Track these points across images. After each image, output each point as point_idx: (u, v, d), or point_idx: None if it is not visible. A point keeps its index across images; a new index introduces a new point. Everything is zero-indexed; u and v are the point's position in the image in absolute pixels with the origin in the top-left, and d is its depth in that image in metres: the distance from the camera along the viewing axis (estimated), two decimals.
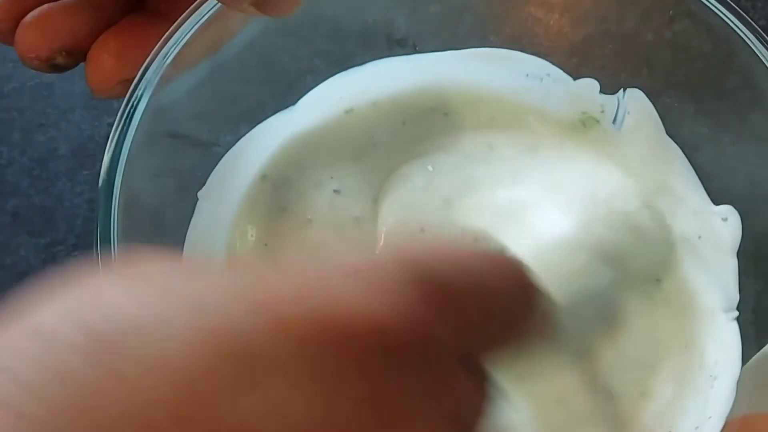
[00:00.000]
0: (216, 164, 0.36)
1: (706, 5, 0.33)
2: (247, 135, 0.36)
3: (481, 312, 0.18)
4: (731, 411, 0.33)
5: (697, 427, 0.34)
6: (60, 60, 0.32)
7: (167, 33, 0.31)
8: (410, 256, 0.17)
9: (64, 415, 0.13)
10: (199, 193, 0.35)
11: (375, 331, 0.15)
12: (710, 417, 0.34)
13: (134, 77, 0.31)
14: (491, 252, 0.19)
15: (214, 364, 0.14)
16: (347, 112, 0.37)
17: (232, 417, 0.14)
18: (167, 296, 0.15)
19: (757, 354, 0.34)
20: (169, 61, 0.32)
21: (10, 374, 0.13)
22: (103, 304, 0.14)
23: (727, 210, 0.36)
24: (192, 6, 0.32)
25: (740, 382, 0.34)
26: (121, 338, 0.14)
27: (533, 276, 0.20)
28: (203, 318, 0.14)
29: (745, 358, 0.34)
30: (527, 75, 0.37)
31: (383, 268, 0.16)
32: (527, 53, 0.37)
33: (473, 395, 0.18)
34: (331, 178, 0.36)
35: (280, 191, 0.36)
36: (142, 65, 0.31)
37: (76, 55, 0.32)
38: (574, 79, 0.37)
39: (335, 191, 0.36)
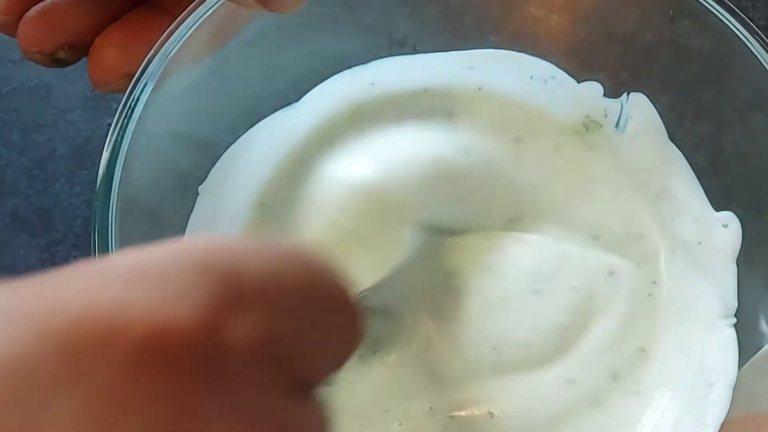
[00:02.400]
0: (215, 164, 0.36)
1: (706, 5, 0.33)
2: (249, 132, 0.36)
3: (287, 307, 0.17)
4: (729, 412, 0.33)
5: None
6: (62, 54, 0.32)
7: (167, 30, 0.31)
8: (208, 249, 0.16)
9: None
10: (200, 188, 0.35)
11: (156, 337, 0.14)
12: (706, 423, 0.34)
13: (135, 72, 0.31)
14: (308, 256, 0.18)
15: None
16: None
17: None
18: None
19: (756, 355, 0.34)
20: (169, 58, 0.32)
21: None
22: None
23: (728, 216, 0.36)
24: (194, 2, 0.32)
25: (738, 383, 0.34)
26: None
27: (348, 289, 0.18)
28: None
29: (742, 362, 0.34)
30: (531, 77, 0.37)
31: (174, 267, 0.15)
32: (527, 54, 0.37)
33: (296, 415, 0.16)
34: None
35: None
36: (144, 60, 0.31)
37: (78, 50, 0.32)
38: (576, 80, 0.37)
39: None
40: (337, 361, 0.18)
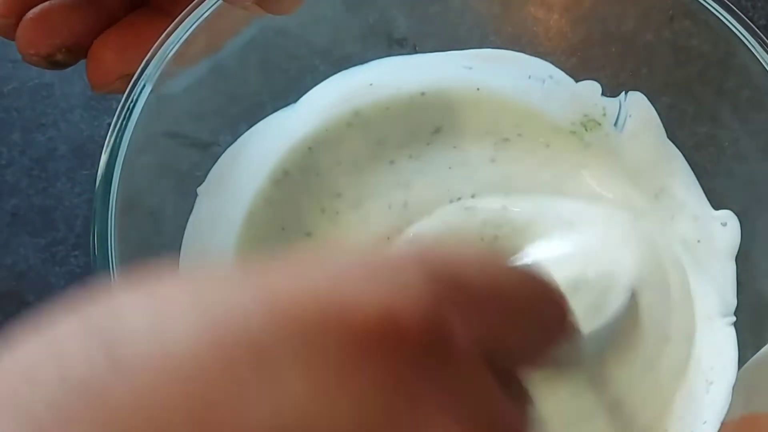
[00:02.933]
0: (215, 164, 0.36)
1: (706, 5, 0.33)
2: (248, 132, 0.36)
3: (505, 319, 0.17)
4: (729, 412, 0.33)
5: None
6: (59, 57, 0.32)
7: (166, 31, 0.31)
8: (430, 255, 0.17)
9: (80, 427, 0.13)
10: (198, 189, 0.35)
11: (385, 322, 0.15)
12: (705, 422, 0.34)
13: (134, 73, 0.31)
14: (520, 265, 0.19)
15: (222, 360, 0.14)
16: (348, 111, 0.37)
17: (245, 412, 0.14)
18: (175, 302, 0.15)
19: (755, 355, 0.33)
20: (168, 59, 0.32)
21: (30, 385, 0.14)
22: (116, 318, 0.15)
23: (727, 215, 0.36)
24: (192, 4, 0.32)
25: (738, 384, 0.34)
26: (132, 347, 0.14)
27: (563, 295, 0.19)
28: (209, 315, 0.14)
29: (742, 361, 0.34)
30: (529, 77, 0.37)
31: (400, 264, 0.16)
32: (527, 54, 0.37)
33: (509, 410, 0.17)
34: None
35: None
36: (142, 62, 0.31)
37: (75, 53, 0.32)
38: (575, 80, 0.37)
39: (337, 194, 0.37)
40: (545, 355, 0.19)
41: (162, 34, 0.31)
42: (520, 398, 0.18)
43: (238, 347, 0.14)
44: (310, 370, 0.14)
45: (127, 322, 0.14)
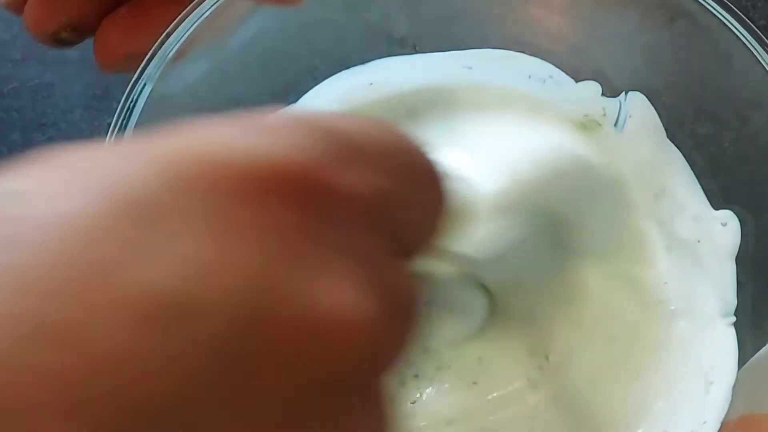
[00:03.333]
0: None
1: (705, 5, 0.33)
2: None
3: (391, 180, 0.17)
4: (728, 412, 0.33)
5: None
6: (65, 35, 0.32)
7: (167, 31, 0.31)
8: (317, 117, 0.17)
9: None
10: None
11: (266, 167, 0.15)
12: (705, 422, 0.34)
13: (141, 53, 0.31)
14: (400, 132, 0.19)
15: (116, 220, 0.14)
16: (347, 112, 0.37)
17: (141, 272, 0.13)
18: (70, 171, 0.15)
19: (755, 355, 0.33)
20: (168, 59, 0.32)
21: None
22: (9, 180, 0.15)
23: (727, 215, 0.36)
24: (192, 3, 0.32)
25: (738, 384, 0.34)
26: (25, 208, 0.14)
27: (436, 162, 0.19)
28: (101, 181, 0.14)
29: (742, 361, 0.34)
30: (529, 77, 0.37)
31: (287, 123, 0.16)
32: (527, 54, 0.37)
33: (399, 271, 0.17)
34: None
35: None
36: (149, 42, 0.31)
37: (81, 31, 0.32)
38: (575, 80, 0.37)
39: None
40: (430, 232, 0.19)
41: (169, 16, 0.32)
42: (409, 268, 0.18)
43: (128, 206, 0.14)
44: (200, 222, 0.14)
45: (22, 184, 0.14)
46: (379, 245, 0.17)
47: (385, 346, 0.16)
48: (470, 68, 0.37)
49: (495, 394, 0.35)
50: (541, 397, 0.35)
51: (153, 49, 0.31)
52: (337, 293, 0.15)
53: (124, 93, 0.32)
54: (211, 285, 0.14)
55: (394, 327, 0.16)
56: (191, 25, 0.32)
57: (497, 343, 0.35)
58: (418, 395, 0.35)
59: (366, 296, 0.15)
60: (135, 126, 0.31)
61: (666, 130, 0.37)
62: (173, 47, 0.32)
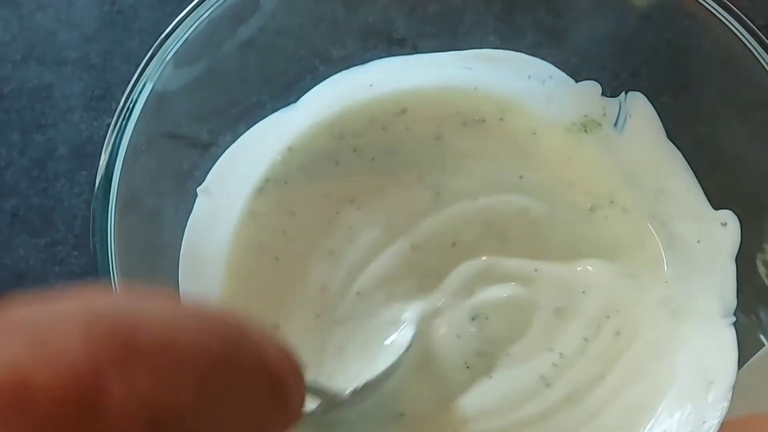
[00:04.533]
0: (214, 164, 0.36)
1: (706, 5, 0.33)
2: (248, 132, 0.36)
3: (191, 382, 0.16)
4: (728, 412, 0.33)
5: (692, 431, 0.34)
6: None
7: (167, 31, 0.31)
8: (105, 313, 0.16)
9: None
10: (198, 189, 0.35)
11: (13, 383, 0.14)
12: (705, 422, 0.34)
13: None
14: (233, 322, 0.17)
15: None
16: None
17: None
18: None
19: (755, 355, 0.33)
20: (168, 59, 0.32)
21: None
22: None
23: (727, 215, 0.36)
24: (192, 4, 0.32)
25: (738, 384, 0.34)
26: None
27: (282, 348, 0.18)
28: None
29: (742, 361, 0.34)
30: (529, 77, 0.37)
31: (62, 327, 0.15)
32: (527, 54, 0.37)
33: None
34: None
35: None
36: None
37: None
38: (575, 80, 0.37)
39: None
40: (258, 427, 0.17)
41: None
42: None
43: None
44: None
45: None
46: None
47: None
48: (470, 68, 0.37)
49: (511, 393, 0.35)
50: (555, 395, 0.35)
51: (153, 49, 0.31)
52: None
53: (124, 93, 0.32)
54: None
55: None
56: (191, 25, 0.32)
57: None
58: None
59: None
60: (135, 126, 0.31)
61: (666, 130, 0.37)
62: (173, 47, 0.32)
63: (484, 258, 0.36)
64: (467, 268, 0.36)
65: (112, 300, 0.16)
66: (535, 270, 0.36)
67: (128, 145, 0.31)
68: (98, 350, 0.15)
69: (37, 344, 0.15)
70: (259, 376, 0.17)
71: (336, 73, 0.37)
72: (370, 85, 0.37)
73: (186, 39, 0.32)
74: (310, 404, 0.22)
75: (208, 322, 0.17)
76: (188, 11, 0.32)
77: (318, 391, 0.29)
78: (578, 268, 0.37)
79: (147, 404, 0.15)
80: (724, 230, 0.36)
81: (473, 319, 0.36)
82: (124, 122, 0.31)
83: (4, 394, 0.14)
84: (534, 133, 0.37)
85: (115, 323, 0.15)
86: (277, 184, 0.36)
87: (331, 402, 0.30)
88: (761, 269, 0.35)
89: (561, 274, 0.37)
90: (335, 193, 0.36)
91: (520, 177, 0.37)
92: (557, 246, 0.37)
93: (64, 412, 0.14)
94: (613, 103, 0.37)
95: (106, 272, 0.30)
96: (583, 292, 0.36)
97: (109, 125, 0.32)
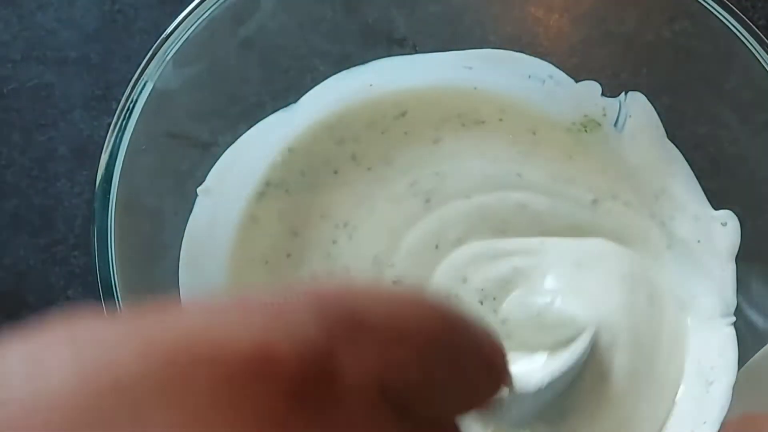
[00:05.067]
0: (214, 164, 0.36)
1: (705, 5, 0.33)
2: (248, 132, 0.36)
3: (413, 356, 0.17)
4: (728, 412, 0.33)
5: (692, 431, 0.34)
6: None
7: (167, 31, 0.31)
8: (329, 293, 0.17)
9: None
10: (198, 189, 0.35)
11: (258, 357, 0.15)
12: (705, 422, 0.34)
13: None
14: (428, 296, 0.18)
15: (94, 405, 0.14)
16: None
17: None
18: (54, 351, 0.15)
19: (755, 355, 0.33)
20: (168, 59, 0.32)
21: None
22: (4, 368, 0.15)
23: (727, 215, 0.36)
24: (192, 4, 0.32)
25: (738, 384, 0.34)
26: (8, 391, 0.14)
27: (497, 345, 0.19)
28: (84, 364, 0.14)
29: (742, 361, 0.34)
30: (529, 77, 0.37)
31: (291, 304, 0.16)
32: (527, 54, 0.37)
33: None
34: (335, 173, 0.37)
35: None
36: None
37: None
38: (575, 80, 0.37)
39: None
40: (471, 403, 0.18)
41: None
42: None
43: (109, 392, 0.14)
44: (173, 407, 0.14)
45: (7, 365, 0.15)
46: (385, 423, 0.16)
47: None
48: (470, 68, 0.37)
49: None
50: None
51: (153, 49, 0.31)
52: None
53: (124, 93, 0.32)
54: None
55: None
56: (191, 25, 0.32)
57: None
58: None
59: None
60: (135, 126, 0.31)
61: (666, 130, 0.37)
62: (173, 47, 0.32)
63: (475, 243, 0.36)
64: (455, 257, 0.36)
65: (335, 284, 0.17)
66: (541, 243, 0.36)
67: (128, 144, 0.31)
68: (330, 326, 0.16)
69: (272, 319, 0.16)
70: (476, 356, 0.18)
71: (336, 73, 0.37)
72: (370, 85, 0.37)
73: (186, 39, 0.32)
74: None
75: (425, 305, 0.18)
76: (188, 11, 0.32)
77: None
78: (588, 241, 0.37)
79: (377, 377, 0.16)
80: (724, 230, 0.36)
81: (482, 303, 0.36)
82: (124, 122, 0.31)
83: (250, 366, 0.15)
84: (534, 133, 0.37)
85: (341, 302, 0.17)
86: (278, 191, 0.36)
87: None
88: (761, 269, 0.35)
89: (569, 246, 0.36)
90: (332, 213, 0.36)
91: (518, 175, 0.37)
92: (562, 230, 0.37)
93: (305, 383, 0.15)
94: (613, 103, 0.37)
95: (106, 272, 0.30)
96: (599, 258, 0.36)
97: (109, 125, 0.32)
